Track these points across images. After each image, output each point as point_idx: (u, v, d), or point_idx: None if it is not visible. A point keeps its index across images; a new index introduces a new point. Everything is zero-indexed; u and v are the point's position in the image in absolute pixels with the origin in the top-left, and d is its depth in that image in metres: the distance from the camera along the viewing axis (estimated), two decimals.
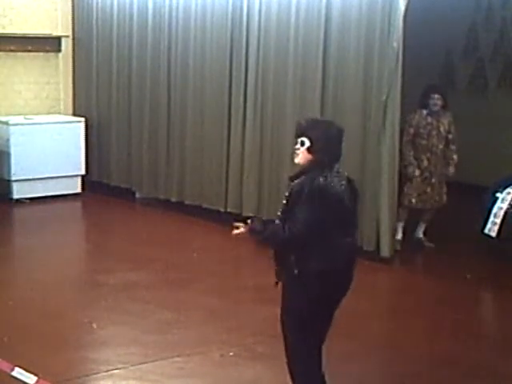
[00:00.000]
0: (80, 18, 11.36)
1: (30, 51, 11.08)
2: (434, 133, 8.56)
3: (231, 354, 5.93)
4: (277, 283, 4.54)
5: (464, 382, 5.69)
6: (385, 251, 8.19)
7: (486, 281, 8.13)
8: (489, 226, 8.38)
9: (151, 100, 10.48)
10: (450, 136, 8.66)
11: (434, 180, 8.64)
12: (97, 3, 11.10)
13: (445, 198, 8.77)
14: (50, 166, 10.71)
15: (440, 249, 8.79)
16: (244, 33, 9.32)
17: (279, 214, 4.47)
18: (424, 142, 8.55)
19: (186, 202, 10.13)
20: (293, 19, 8.82)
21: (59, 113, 11.44)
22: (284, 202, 4.43)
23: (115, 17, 10.86)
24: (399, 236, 8.70)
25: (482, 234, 8.47)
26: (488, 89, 11.85)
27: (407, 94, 8.22)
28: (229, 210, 9.56)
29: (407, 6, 7.86)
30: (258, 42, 9.20)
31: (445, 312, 7.05)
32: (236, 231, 4.54)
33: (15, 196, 10.55)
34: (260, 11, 9.14)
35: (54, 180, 10.78)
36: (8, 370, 5.07)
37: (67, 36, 11.38)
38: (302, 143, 4.45)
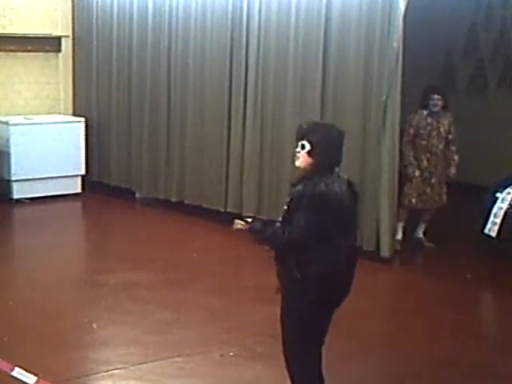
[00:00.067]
0: (80, 17, 11.36)
1: (30, 51, 11.08)
2: (434, 133, 8.56)
3: (231, 354, 5.93)
4: (278, 289, 4.55)
5: (464, 382, 5.70)
6: (385, 251, 8.19)
7: (486, 281, 8.14)
8: (489, 225, 8.38)
9: (151, 100, 10.48)
10: (450, 136, 8.66)
11: (433, 180, 8.64)
12: (97, 3, 11.10)
13: (445, 198, 8.77)
14: (50, 166, 10.72)
15: (440, 249, 8.79)
16: (244, 33, 9.32)
17: (280, 219, 4.48)
18: (424, 142, 8.55)
19: (186, 202, 10.13)
20: (293, 19, 8.83)
21: (59, 113, 11.44)
22: (285, 207, 4.44)
23: (115, 17, 10.86)
24: (399, 236, 8.70)
25: (482, 233, 8.47)
26: (488, 89, 11.85)
27: (407, 94, 8.22)
28: (229, 209, 9.55)
29: (407, 6, 7.86)
30: (258, 42, 9.21)
31: (445, 312, 7.05)
32: (238, 226, 4.55)
33: (15, 196, 10.55)
34: (260, 11, 9.14)
35: (54, 180, 10.78)
36: (8, 370, 5.07)
37: (67, 36, 11.38)
38: (303, 146, 4.45)
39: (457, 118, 8.75)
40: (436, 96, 8.56)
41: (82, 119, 11.12)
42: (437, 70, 11.84)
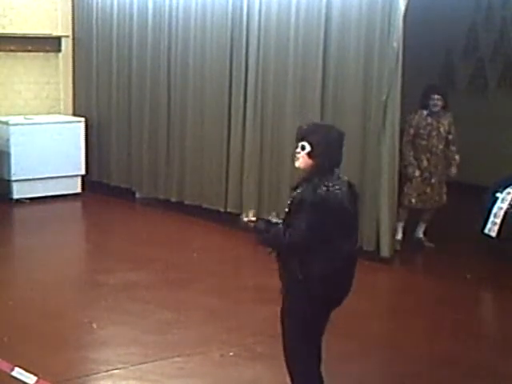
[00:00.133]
0: (80, 18, 11.36)
1: (30, 51, 11.08)
2: (434, 133, 8.56)
3: (231, 354, 5.93)
4: (281, 290, 4.55)
5: (464, 382, 5.70)
6: (385, 251, 8.19)
7: (486, 281, 8.13)
8: (489, 225, 8.38)
9: (151, 100, 10.48)
10: (450, 137, 8.66)
11: (433, 180, 8.64)
12: (97, 3, 11.10)
13: (445, 198, 8.77)
14: (50, 166, 10.72)
15: (440, 249, 8.79)
16: (244, 33, 9.32)
17: (281, 220, 4.48)
18: (424, 142, 8.55)
19: (186, 202, 10.13)
20: (293, 19, 8.82)
21: (59, 113, 11.44)
22: (286, 210, 4.44)
23: (115, 17, 10.86)
24: (399, 236, 8.70)
25: (482, 234, 8.47)
26: (488, 89, 11.85)
27: (407, 94, 8.22)
28: (229, 210, 9.55)
29: (407, 6, 7.86)
30: (258, 42, 9.20)
31: (445, 312, 7.05)
32: (250, 217, 4.55)
33: (15, 196, 10.55)
34: (260, 11, 9.14)
35: (54, 180, 10.78)
36: (8, 370, 5.07)
37: (67, 36, 11.38)
38: (303, 147, 4.45)
39: (457, 118, 8.75)
40: (436, 96, 8.56)
41: (82, 119, 11.12)
42: (437, 69, 11.84)
